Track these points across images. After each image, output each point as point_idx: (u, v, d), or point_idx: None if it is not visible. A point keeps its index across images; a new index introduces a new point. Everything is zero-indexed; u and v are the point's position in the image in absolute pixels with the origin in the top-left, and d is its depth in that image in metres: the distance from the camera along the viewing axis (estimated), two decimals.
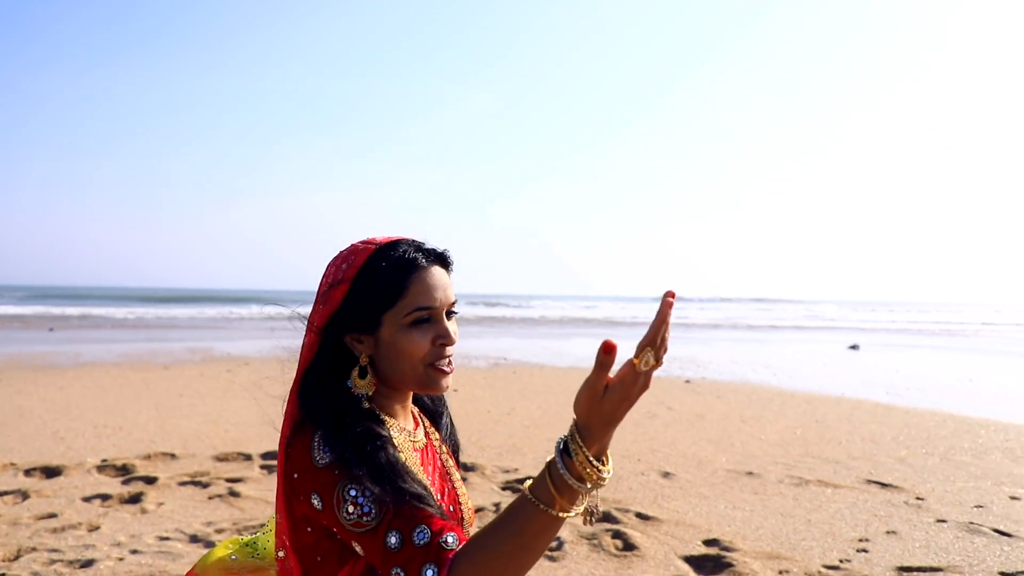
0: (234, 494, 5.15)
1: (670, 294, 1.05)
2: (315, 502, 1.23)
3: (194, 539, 4.25)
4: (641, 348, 1.06)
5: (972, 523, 4.80)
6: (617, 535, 4.42)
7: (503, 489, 5.47)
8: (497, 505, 5.04)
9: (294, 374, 1.44)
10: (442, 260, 1.38)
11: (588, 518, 1.17)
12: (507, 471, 5.98)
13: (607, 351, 1.05)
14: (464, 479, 1.99)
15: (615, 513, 4.84)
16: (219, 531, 4.38)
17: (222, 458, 6.20)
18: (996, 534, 4.60)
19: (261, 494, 5.18)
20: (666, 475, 5.99)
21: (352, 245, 1.39)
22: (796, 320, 44.56)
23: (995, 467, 6.41)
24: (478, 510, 4.72)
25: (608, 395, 1.06)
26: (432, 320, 1.33)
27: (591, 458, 1.07)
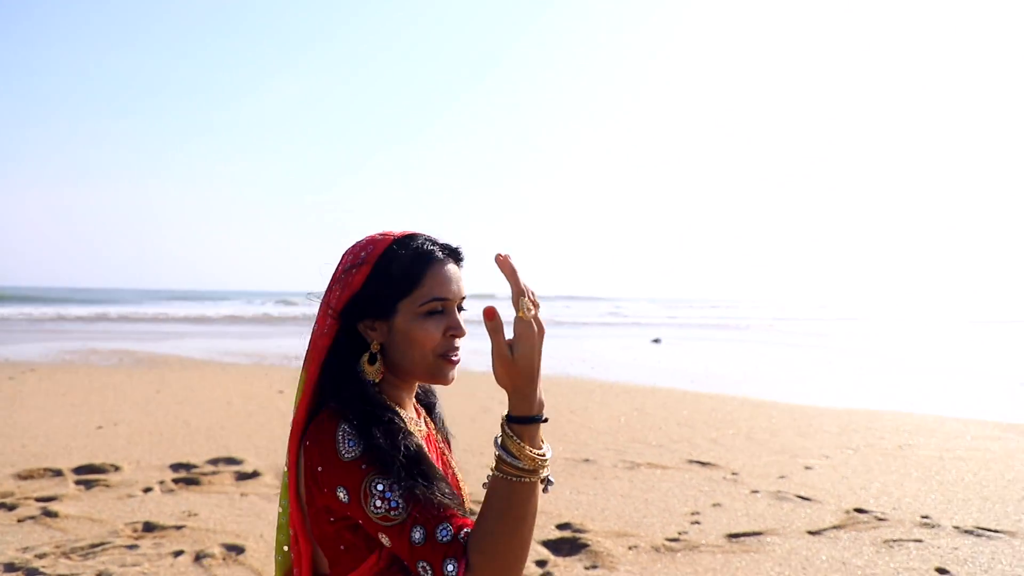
0: (50, 514, 4.61)
1: (500, 255, 1.17)
2: (341, 495, 1.20)
3: (10, 568, 3.76)
4: (516, 300, 1.17)
5: (779, 491, 5.47)
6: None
7: None
8: None
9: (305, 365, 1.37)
10: (456, 255, 1.40)
11: (546, 486, 1.26)
12: None
13: (490, 316, 1.14)
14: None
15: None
16: (40, 556, 3.91)
17: (25, 476, 5.51)
18: (799, 499, 5.28)
19: (83, 511, 4.69)
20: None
21: (369, 236, 1.36)
22: (602, 317, 47.45)
23: (789, 443, 7.31)
24: None
25: (516, 354, 1.15)
26: (445, 312, 1.35)
27: (530, 450, 1.15)
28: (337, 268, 1.37)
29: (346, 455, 1.21)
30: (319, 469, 1.23)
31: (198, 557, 3.95)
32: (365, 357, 1.33)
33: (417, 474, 1.20)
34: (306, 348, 1.38)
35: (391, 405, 1.33)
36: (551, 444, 6.60)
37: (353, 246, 1.37)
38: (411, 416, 1.43)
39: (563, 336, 26.11)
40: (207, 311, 40.00)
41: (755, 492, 5.48)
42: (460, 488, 1.51)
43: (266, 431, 7.37)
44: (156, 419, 7.88)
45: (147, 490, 5.20)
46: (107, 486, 5.29)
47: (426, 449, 1.31)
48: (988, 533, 4.59)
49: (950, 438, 7.59)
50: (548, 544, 4.30)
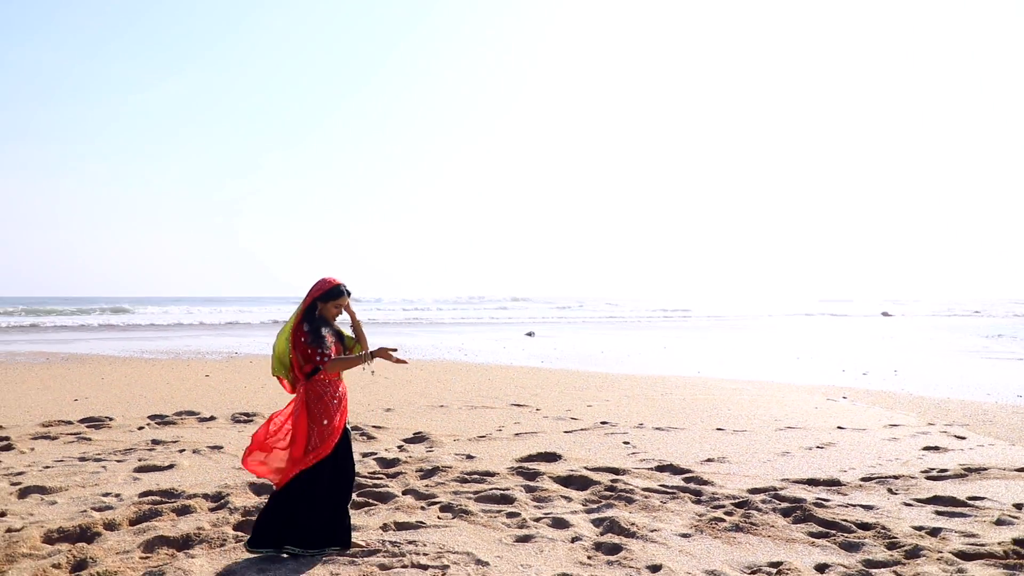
0: (84, 439, 7.12)
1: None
2: (303, 340, 4.04)
3: (83, 459, 6.30)
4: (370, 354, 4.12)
5: (560, 417, 8.63)
6: (361, 432, 7.42)
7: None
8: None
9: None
10: (346, 290, 4.24)
11: (365, 367, 4.20)
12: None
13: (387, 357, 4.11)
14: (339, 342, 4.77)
15: (359, 424, 7.82)
16: (95, 458, 6.47)
17: (47, 424, 7.90)
18: (571, 419, 8.45)
19: (105, 437, 7.21)
20: (388, 410, 9.09)
21: (322, 278, 4.19)
22: (490, 316, 50.69)
23: (588, 394, 10.58)
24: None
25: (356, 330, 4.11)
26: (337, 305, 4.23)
27: (370, 353, 4.09)
28: (313, 286, 4.21)
29: (304, 331, 4.07)
30: (302, 340, 4.08)
31: (195, 451, 6.63)
32: (317, 310, 4.19)
33: (321, 340, 4.07)
34: (296, 310, 4.23)
35: (327, 322, 4.20)
36: (418, 398, 9.63)
37: (319, 280, 4.22)
38: (331, 328, 4.29)
39: (450, 332, 29.04)
40: (96, 320, 40.22)
41: (545, 417, 8.63)
42: (337, 350, 4.34)
43: (207, 397, 9.92)
44: (115, 394, 10.25)
45: (140, 428, 7.77)
46: (110, 427, 7.80)
47: (328, 338, 4.16)
48: (667, 428, 7.90)
49: (697, 389, 11.11)
50: (405, 439, 7.24)
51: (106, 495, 5.15)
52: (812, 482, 5.59)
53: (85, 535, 4.33)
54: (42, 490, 5.28)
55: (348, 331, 4.39)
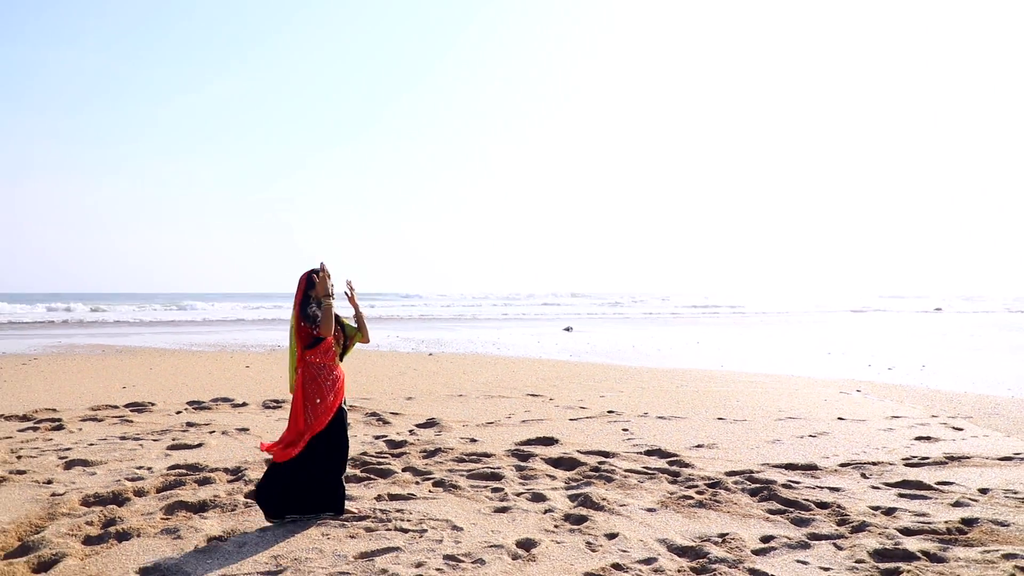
0: (126, 420, 7.81)
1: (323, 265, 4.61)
2: (303, 324, 4.53)
3: (123, 438, 6.97)
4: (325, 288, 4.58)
5: (571, 407, 9.01)
6: (378, 417, 7.94)
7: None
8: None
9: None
10: (318, 271, 4.72)
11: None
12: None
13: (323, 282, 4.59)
14: (339, 327, 5.25)
15: (378, 411, 8.34)
16: (135, 437, 7.13)
17: (96, 408, 8.65)
18: (580, 409, 8.82)
19: (146, 420, 7.89)
20: (409, 398, 9.61)
21: (303, 274, 4.66)
22: (535, 311, 51.11)
23: (603, 385, 10.92)
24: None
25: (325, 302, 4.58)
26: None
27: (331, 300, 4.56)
28: (298, 282, 4.68)
29: (302, 318, 4.55)
30: (301, 324, 4.57)
31: (223, 432, 7.24)
32: (312, 298, 4.67)
33: (308, 315, 4.54)
34: (293, 298, 4.72)
35: (315, 299, 4.67)
36: (440, 388, 10.18)
37: (300, 276, 4.68)
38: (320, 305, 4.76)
39: (486, 327, 29.58)
40: (151, 315, 42.03)
41: (557, 407, 9.02)
42: (337, 335, 4.81)
43: (244, 386, 10.59)
44: (160, 383, 11.03)
45: (178, 412, 8.44)
46: (151, 411, 8.50)
47: (332, 307, 4.63)
48: (670, 417, 8.22)
49: (713, 382, 11.35)
50: (418, 425, 7.72)
51: (139, 468, 5.76)
52: (790, 466, 5.87)
53: (117, 500, 4.91)
54: (85, 463, 5.92)
55: (351, 321, 4.87)
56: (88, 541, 4.14)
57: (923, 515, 4.57)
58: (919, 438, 6.99)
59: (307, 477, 4.48)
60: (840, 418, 8.05)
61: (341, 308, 4.65)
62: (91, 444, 6.66)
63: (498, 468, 5.75)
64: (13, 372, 12.56)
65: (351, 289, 4.78)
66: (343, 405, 4.67)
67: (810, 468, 5.82)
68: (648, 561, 3.80)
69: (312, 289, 4.61)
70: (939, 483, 5.32)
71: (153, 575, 3.64)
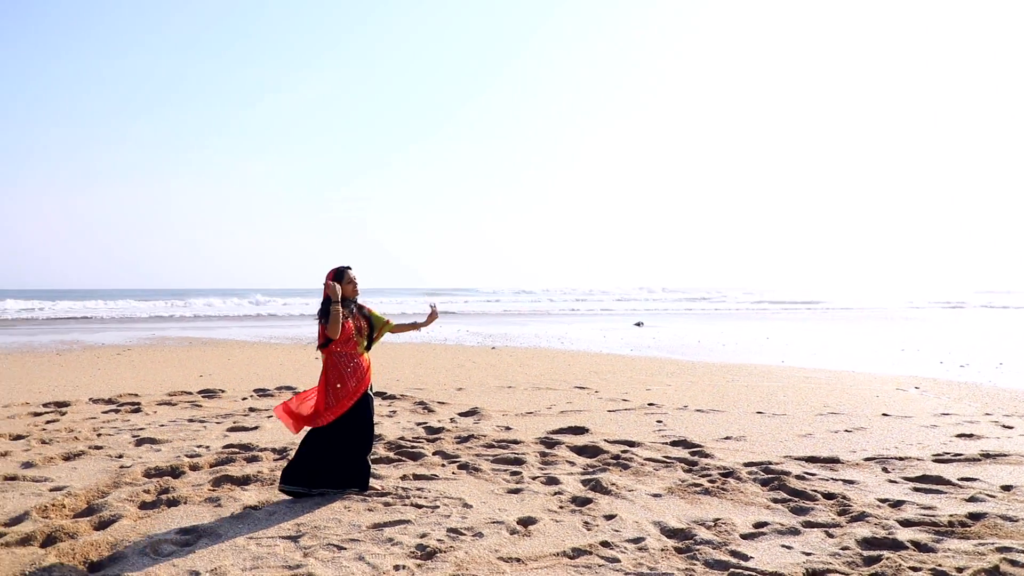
0: (196, 405, 8.52)
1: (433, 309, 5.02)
2: (320, 320, 4.96)
3: (192, 420, 7.64)
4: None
5: (613, 398, 9.20)
6: (424, 406, 8.37)
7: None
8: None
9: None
10: (349, 269, 5.12)
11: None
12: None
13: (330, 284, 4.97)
14: (363, 328, 5.66)
15: (425, 400, 8.77)
16: (202, 420, 7.79)
17: (172, 393, 9.43)
18: (623, 400, 9.00)
19: (214, 405, 8.57)
20: (459, 389, 10.01)
21: (331, 269, 5.08)
22: (609, 307, 50.99)
23: (647, 377, 11.03)
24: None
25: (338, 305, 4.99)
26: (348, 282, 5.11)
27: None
28: (328, 273, 5.10)
29: (320, 315, 4.96)
30: (320, 320, 4.97)
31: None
32: (338, 288, 5.07)
33: (328, 316, 4.93)
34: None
35: (345, 302, 5.07)
36: (493, 380, 10.62)
37: (328, 271, 5.10)
38: (350, 306, 5.16)
39: (555, 322, 29.84)
40: (246, 309, 44.26)
41: (600, 399, 9.22)
42: (350, 331, 5.17)
43: (310, 375, 11.26)
44: (234, 372, 11.84)
45: (244, 399, 9.11)
46: (220, 398, 9.20)
47: (340, 313, 5.00)
48: (708, 410, 8.30)
49: (766, 377, 11.27)
50: (460, 414, 8.09)
51: (198, 446, 6.35)
52: (811, 459, 5.91)
53: (174, 473, 5.48)
54: (153, 441, 6.56)
55: (377, 311, 5.27)
56: (143, 506, 4.69)
57: (930, 508, 4.58)
58: (961, 435, 6.85)
59: (335, 455, 4.90)
60: (884, 414, 7.93)
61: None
62: (162, 425, 7.35)
63: (523, 454, 6.04)
64: (108, 361, 13.72)
65: (433, 311, 5.49)
66: (369, 392, 5.06)
67: (831, 461, 5.84)
68: (636, 540, 4.02)
69: (341, 282, 5.02)
70: (961, 479, 5.28)
71: (190, 535, 4.12)
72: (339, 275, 5.03)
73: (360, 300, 5.22)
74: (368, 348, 5.16)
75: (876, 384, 10.47)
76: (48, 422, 7.49)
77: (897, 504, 4.68)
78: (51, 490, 5.00)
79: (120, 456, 6.01)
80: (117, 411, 8.14)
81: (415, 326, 5.46)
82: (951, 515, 4.41)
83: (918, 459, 5.90)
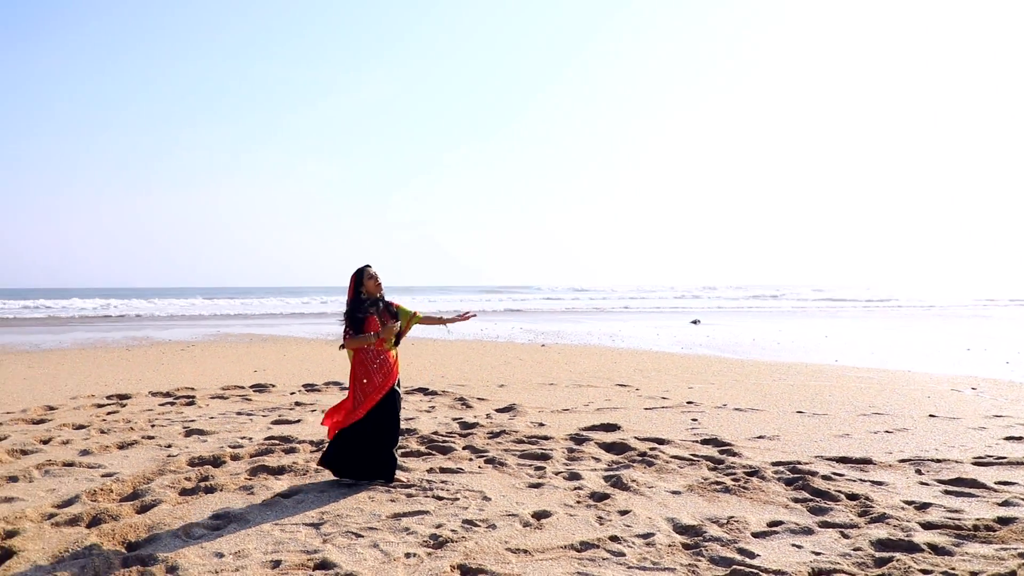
0: (247, 399, 8.90)
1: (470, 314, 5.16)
2: (344, 323, 5.15)
3: (241, 412, 7.99)
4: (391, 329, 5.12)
5: (653, 396, 9.18)
6: (463, 402, 8.53)
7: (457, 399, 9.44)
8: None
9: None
10: (369, 267, 5.29)
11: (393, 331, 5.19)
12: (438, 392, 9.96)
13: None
14: (386, 322, 5.84)
15: (465, 397, 8.93)
16: (249, 413, 8.14)
17: (226, 387, 9.87)
18: (661, 399, 8.97)
19: (262, 399, 8.94)
20: (501, 385, 10.15)
21: (355, 270, 5.27)
22: (670, 304, 50.40)
23: (692, 375, 10.94)
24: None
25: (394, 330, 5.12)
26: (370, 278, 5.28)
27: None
28: (352, 275, 5.28)
29: (345, 316, 5.15)
30: (346, 325, 5.17)
31: (323, 411, 8.10)
32: (363, 292, 5.25)
33: (352, 319, 5.10)
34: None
35: (366, 298, 5.24)
36: (534, 377, 10.78)
37: (355, 271, 5.28)
38: (376, 304, 5.33)
39: (611, 320, 29.71)
40: (304, 308, 45.53)
41: (639, 396, 9.22)
42: (376, 329, 5.33)
43: None
44: (288, 368, 12.27)
45: (292, 393, 9.46)
46: (270, 392, 9.58)
47: (362, 313, 5.17)
48: (747, 409, 8.20)
49: (816, 376, 11.04)
50: (497, 410, 8.22)
51: (242, 438, 6.66)
52: (843, 460, 5.81)
53: (215, 462, 5.78)
54: (201, 432, 6.91)
55: (408, 307, 5.43)
56: (183, 492, 4.98)
57: (957, 512, 4.47)
58: (1009, 438, 6.60)
59: (362, 448, 5.09)
60: (931, 415, 7.70)
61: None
62: (211, 417, 7.72)
63: (550, 450, 6.13)
64: (172, 356, 14.39)
65: (467, 314, 5.62)
66: (396, 387, 5.23)
67: (863, 462, 5.73)
68: (645, 536, 4.06)
69: (362, 287, 5.20)
70: (998, 483, 5.11)
71: (221, 520, 4.36)
72: (360, 276, 5.21)
73: (389, 297, 5.40)
74: (396, 344, 5.32)
75: (931, 384, 10.13)
76: (109, 413, 7.97)
77: (923, 507, 4.58)
78: (102, 476, 5.36)
79: (169, 446, 6.36)
80: (173, 403, 8.58)
81: (442, 320, 5.59)
82: (978, 519, 4.29)
83: (957, 461, 5.73)
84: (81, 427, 7.22)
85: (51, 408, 8.24)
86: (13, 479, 5.30)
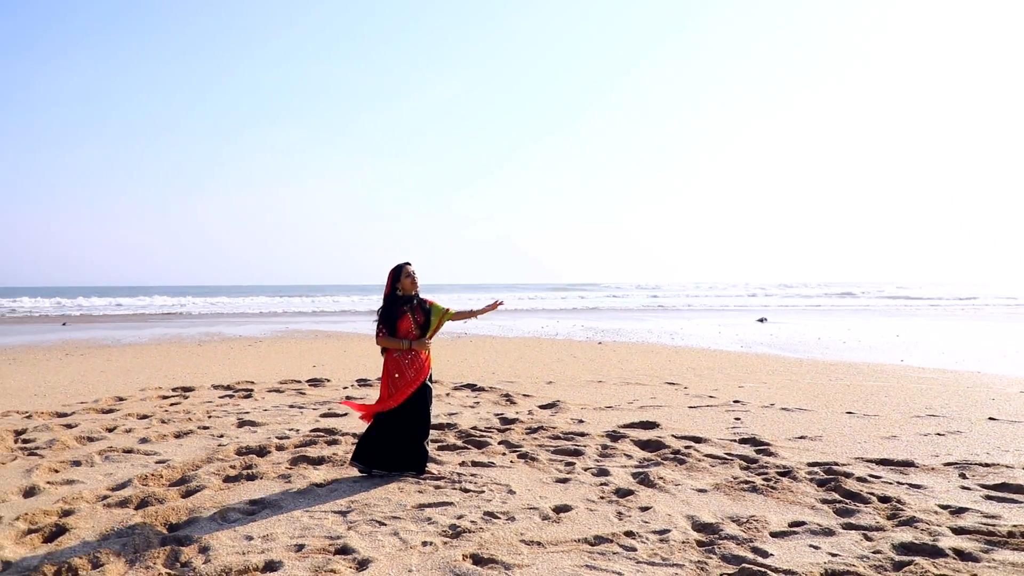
0: (302, 393, 9.25)
1: (499, 303, 5.28)
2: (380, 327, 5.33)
3: (293, 406, 8.33)
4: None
5: (700, 395, 9.08)
6: (508, 398, 8.65)
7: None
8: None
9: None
10: (408, 264, 5.46)
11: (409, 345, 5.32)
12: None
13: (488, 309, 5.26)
14: (420, 322, 5.99)
15: (511, 393, 9.05)
16: (301, 407, 8.47)
17: (283, 381, 10.27)
18: (708, 397, 8.87)
19: (316, 393, 9.28)
20: (549, 383, 10.22)
21: (392, 267, 5.45)
22: (741, 302, 49.33)
23: (746, 374, 10.74)
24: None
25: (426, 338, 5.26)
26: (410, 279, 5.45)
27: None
28: (390, 272, 5.46)
29: (380, 313, 5.32)
30: (377, 320, 5.34)
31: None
32: (399, 289, 5.42)
33: (386, 317, 5.26)
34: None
35: (401, 296, 5.40)
36: (584, 374, 10.83)
37: (392, 268, 5.45)
38: (410, 302, 5.49)
39: (676, 318, 29.32)
40: (374, 305, 46.66)
41: (686, 395, 9.14)
42: (408, 326, 5.48)
43: None
44: (345, 364, 12.66)
45: (345, 388, 9.78)
46: (325, 386, 9.92)
47: (397, 311, 5.33)
48: (794, 409, 8.04)
49: (876, 376, 10.69)
50: (540, 406, 8.30)
51: (290, 429, 6.96)
52: (884, 462, 5.64)
53: (261, 452, 6.07)
54: (252, 423, 7.25)
55: (442, 304, 5.57)
56: (226, 479, 5.26)
57: (994, 518, 4.31)
58: None
59: (394, 440, 5.27)
60: (991, 418, 7.37)
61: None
62: (265, 410, 8.07)
63: (584, 446, 6.17)
64: (240, 351, 15.03)
65: (495, 303, 5.67)
66: (427, 381, 5.38)
67: (905, 465, 5.56)
68: (661, 532, 4.08)
69: (398, 284, 5.37)
70: None
71: (256, 506, 4.60)
72: (397, 272, 5.38)
73: (422, 295, 5.56)
74: (429, 338, 5.47)
75: (999, 386, 9.67)
76: (171, 404, 8.43)
77: (958, 511, 4.44)
78: (156, 462, 5.71)
79: (221, 436, 6.70)
80: (231, 396, 9.01)
81: (472, 313, 5.68)
82: (1015, 526, 4.13)
83: (1007, 467, 5.49)
84: (144, 417, 7.67)
85: (120, 399, 8.77)
86: (76, 463, 5.70)
